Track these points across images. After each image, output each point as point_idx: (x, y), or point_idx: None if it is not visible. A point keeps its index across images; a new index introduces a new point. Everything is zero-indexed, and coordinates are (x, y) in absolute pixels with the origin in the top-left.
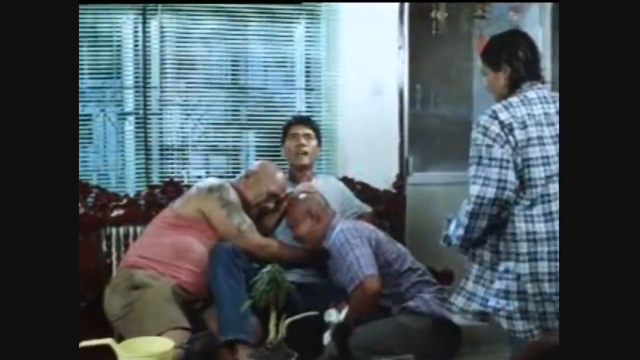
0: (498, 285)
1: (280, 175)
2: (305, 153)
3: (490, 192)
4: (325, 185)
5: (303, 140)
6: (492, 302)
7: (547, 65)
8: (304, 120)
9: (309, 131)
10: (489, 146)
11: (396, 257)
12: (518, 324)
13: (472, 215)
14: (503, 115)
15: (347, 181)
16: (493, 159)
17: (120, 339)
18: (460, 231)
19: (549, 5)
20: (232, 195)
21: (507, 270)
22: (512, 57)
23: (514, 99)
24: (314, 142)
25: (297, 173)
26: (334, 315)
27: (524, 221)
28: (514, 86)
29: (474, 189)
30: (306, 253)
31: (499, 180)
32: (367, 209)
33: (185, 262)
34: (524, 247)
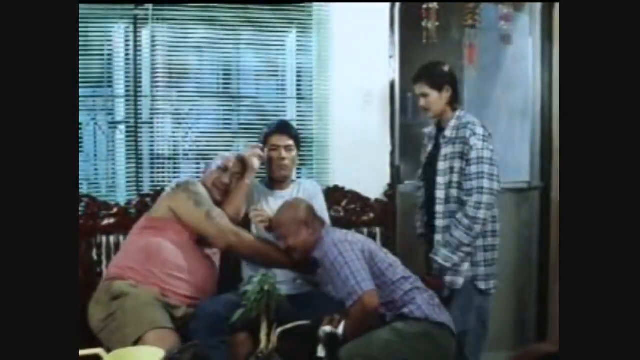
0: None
1: (225, 154)
2: (287, 166)
3: (497, 185)
4: (302, 193)
5: (284, 153)
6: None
7: (537, 74)
8: (284, 130)
9: (290, 142)
10: (493, 151)
11: (388, 267)
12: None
13: (489, 206)
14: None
15: (338, 190)
16: (495, 160)
17: (109, 351)
18: (478, 227)
19: (538, 14)
20: (200, 188)
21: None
22: (452, 80)
23: (469, 117)
24: (294, 153)
25: (275, 183)
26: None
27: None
28: (453, 107)
29: (493, 185)
30: (287, 255)
31: (498, 176)
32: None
33: (155, 265)
34: (490, 227)
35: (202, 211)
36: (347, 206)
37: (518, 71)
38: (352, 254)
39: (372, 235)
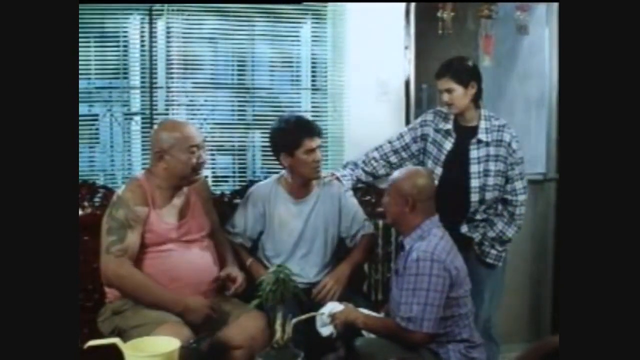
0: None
1: (187, 127)
2: (321, 164)
3: None
4: (327, 190)
5: (319, 155)
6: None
7: (554, 64)
8: (316, 131)
9: (320, 141)
10: None
11: (458, 303)
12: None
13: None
14: None
15: None
16: None
17: None
18: (522, 223)
19: (555, 4)
20: (122, 212)
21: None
22: (478, 76)
23: (499, 120)
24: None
25: (304, 181)
26: (338, 308)
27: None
28: (476, 103)
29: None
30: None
31: None
32: (370, 228)
33: None
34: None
35: (106, 241)
36: (362, 197)
37: (534, 62)
38: (441, 282)
39: (386, 227)
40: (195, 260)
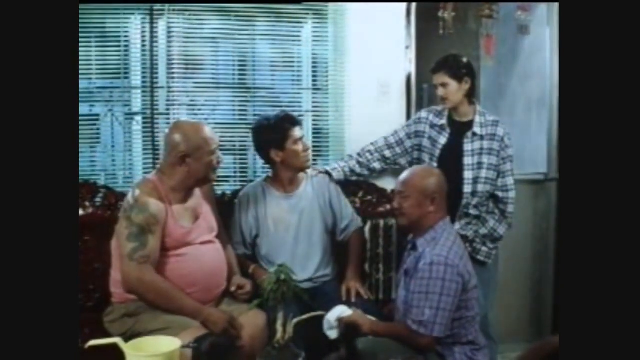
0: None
1: (206, 128)
2: (310, 154)
3: None
4: (316, 182)
5: (307, 143)
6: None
7: (555, 64)
8: (299, 121)
9: (302, 131)
10: None
11: (466, 305)
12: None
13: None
14: None
15: (355, 181)
16: None
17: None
18: (504, 228)
19: (556, 4)
20: (141, 218)
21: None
22: (472, 73)
23: (492, 115)
24: None
25: (295, 175)
26: (347, 312)
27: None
28: (470, 100)
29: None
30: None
31: None
32: (359, 222)
33: None
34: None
35: (128, 247)
36: (363, 197)
37: (535, 62)
38: (454, 286)
39: (388, 227)
40: (209, 263)
